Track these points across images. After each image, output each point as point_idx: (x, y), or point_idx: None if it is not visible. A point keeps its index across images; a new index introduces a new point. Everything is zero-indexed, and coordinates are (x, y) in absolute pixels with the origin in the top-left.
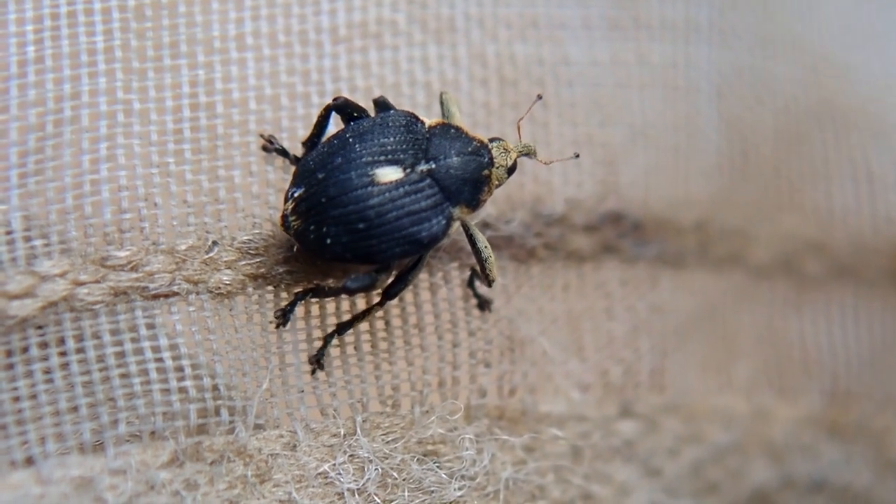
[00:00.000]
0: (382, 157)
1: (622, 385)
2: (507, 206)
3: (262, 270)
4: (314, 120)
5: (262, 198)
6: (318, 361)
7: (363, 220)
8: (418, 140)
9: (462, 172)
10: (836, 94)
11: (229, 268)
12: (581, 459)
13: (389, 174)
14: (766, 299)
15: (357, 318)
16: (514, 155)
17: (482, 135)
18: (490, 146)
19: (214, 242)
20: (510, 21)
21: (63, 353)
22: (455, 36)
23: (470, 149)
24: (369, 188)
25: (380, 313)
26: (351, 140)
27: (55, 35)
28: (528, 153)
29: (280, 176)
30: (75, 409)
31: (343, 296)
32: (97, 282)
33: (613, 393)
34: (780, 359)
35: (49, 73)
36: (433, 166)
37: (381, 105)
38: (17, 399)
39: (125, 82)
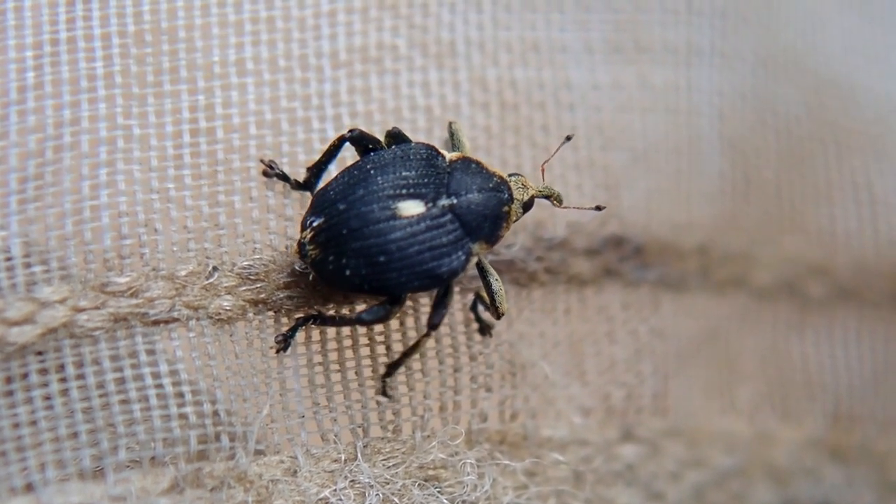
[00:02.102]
0: (404, 191)
1: (624, 409)
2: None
3: (263, 296)
4: (316, 146)
5: (262, 223)
6: (384, 392)
7: (384, 252)
8: (440, 174)
9: (483, 209)
10: (839, 115)
11: (230, 293)
12: (583, 484)
13: (411, 208)
14: (768, 322)
15: (407, 354)
16: (531, 192)
17: (500, 169)
18: (509, 181)
19: (215, 268)
20: (511, 45)
21: (63, 380)
22: (456, 60)
23: (491, 185)
24: (392, 222)
25: (381, 338)
26: (372, 172)
27: (55, 61)
28: (549, 196)
29: (280, 201)
30: (75, 435)
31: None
32: (97, 308)
33: (615, 417)
34: (782, 382)
35: (49, 99)
36: (454, 201)
37: (395, 137)
38: (16, 425)
39: (125, 108)
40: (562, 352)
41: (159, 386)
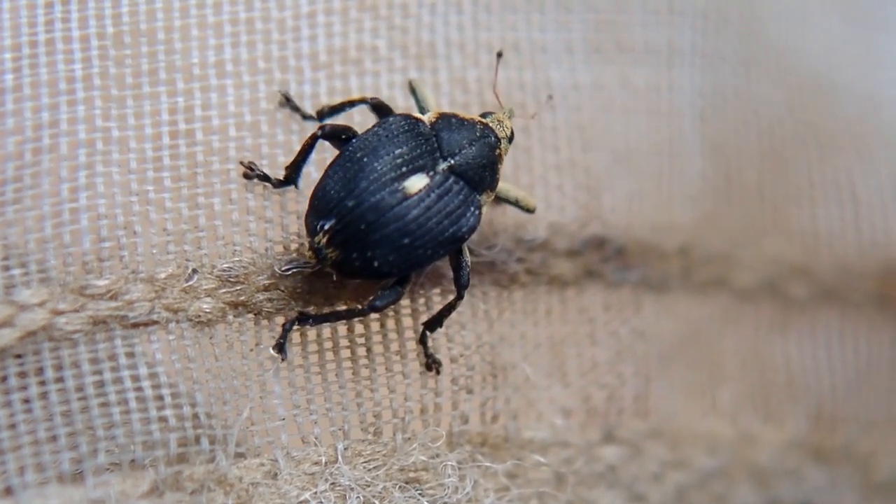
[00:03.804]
0: (405, 169)
1: (605, 410)
2: (489, 232)
3: (243, 298)
4: (296, 147)
5: (242, 225)
6: (434, 366)
7: (407, 234)
8: (428, 140)
9: (480, 160)
10: (821, 115)
11: (209, 296)
12: (564, 486)
13: (417, 183)
14: (750, 323)
15: (443, 314)
16: (508, 123)
17: (473, 114)
18: (487, 122)
19: (194, 270)
20: (491, 46)
21: (42, 383)
22: (436, 61)
23: (477, 134)
24: (405, 203)
25: (361, 340)
26: (366, 160)
27: (33, 63)
28: (512, 115)
29: (260, 203)
30: (54, 438)
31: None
32: (76, 311)
33: (597, 418)
34: (765, 383)
35: (27, 102)
36: (452, 162)
37: (379, 108)
38: None
39: (104, 110)
40: (543, 353)
41: (139, 389)
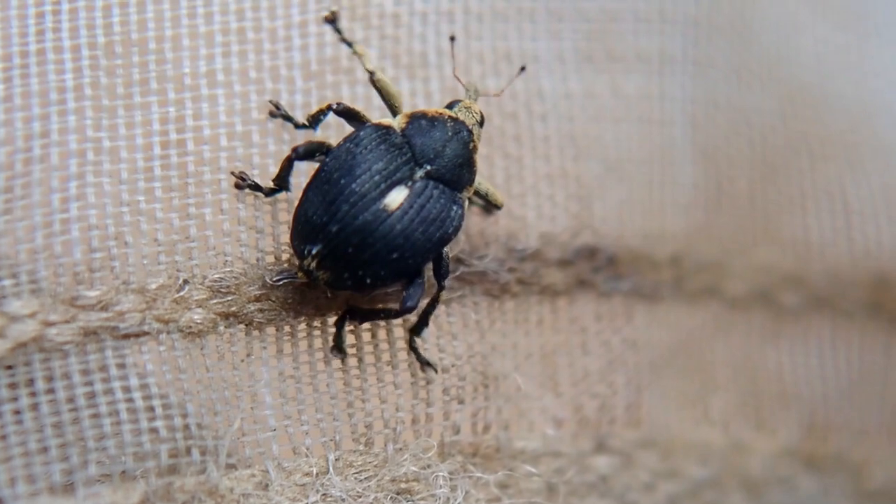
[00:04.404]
0: (383, 185)
1: (597, 420)
2: (480, 242)
3: (234, 309)
4: (280, 165)
5: (233, 235)
6: (430, 367)
7: (394, 249)
8: (401, 149)
9: (456, 159)
10: (813, 124)
11: (200, 306)
12: (556, 496)
13: (398, 197)
14: (742, 332)
15: (428, 312)
16: (476, 108)
17: (440, 109)
18: (456, 115)
19: (185, 281)
20: (483, 55)
21: (33, 394)
22: (427, 71)
23: (450, 132)
24: (389, 220)
25: (353, 350)
26: (343, 181)
27: (24, 73)
28: (478, 94)
29: (251, 213)
30: (45, 449)
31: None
32: (67, 322)
33: (588, 428)
34: (756, 391)
35: (18, 112)
36: (429, 168)
37: (345, 113)
38: None
39: (95, 120)
40: (534, 363)
41: (129, 400)
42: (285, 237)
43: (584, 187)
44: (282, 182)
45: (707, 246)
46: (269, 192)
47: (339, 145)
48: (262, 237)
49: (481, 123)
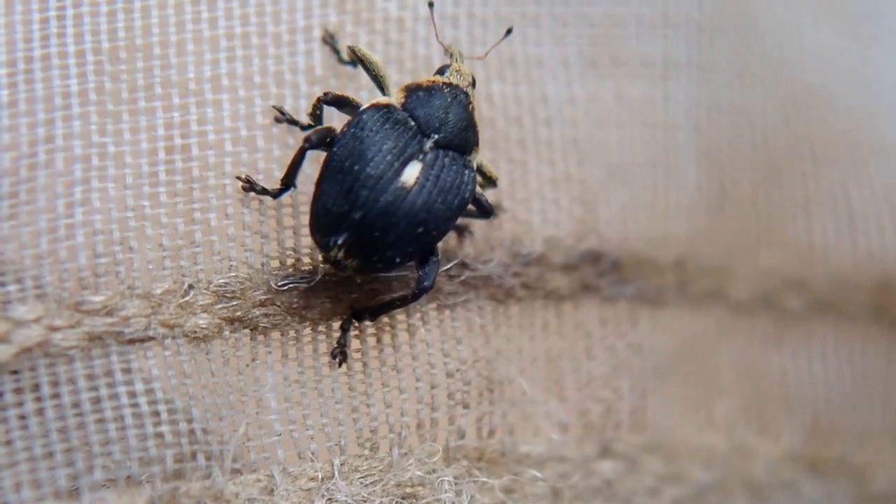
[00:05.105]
0: (397, 164)
1: (602, 425)
2: (485, 246)
3: (239, 314)
4: (290, 161)
5: (238, 240)
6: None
7: (419, 224)
8: (406, 125)
9: (459, 123)
10: (816, 126)
11: (205, 311)
12: (561, 500)
13: (413, 172)
14: (746, 336)
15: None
16: (465, 70)
17: (432, 77)
18: (449, 80)
19: (190, 286)
20: (487, 60)
21: (38, 399)
22: (432, 75)
23: (448, 98)
24: (409, 197)
25: (358, 355)
26: (357, 168)
27: (29, 79)
28: (463, 57)
29: (256, 218)
30: (51, 454)
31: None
32: (72, 327)
33: (593, 433)
34: (760, 396)
35: (23, 118)
36: (436, 137)
37: (336, 101)
38: None
39: (100, 125)
40: (539, 368)
41: (135, 405)
42: (290, 242)
43: (589, 191)
44: (290, 179)
45: (711, 249)
46: (277, 194)
47: (343, 132)
48: (267, 242)
49: (473, 84)
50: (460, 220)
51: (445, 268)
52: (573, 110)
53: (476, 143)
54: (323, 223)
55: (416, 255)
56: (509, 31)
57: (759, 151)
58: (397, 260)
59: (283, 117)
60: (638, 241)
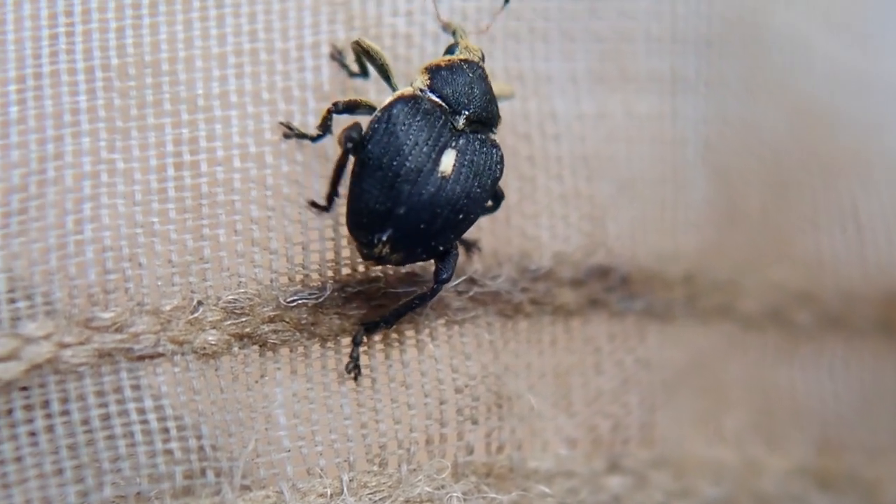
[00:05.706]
0: (433, 154)
1: (611, 440)
2: (493, 262)
3: (248, 330)
4: (300, 178)
5: (247, 256)
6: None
7: (460, 210)
8: (434, 109)
9: (485, 96)
10: (824, 140)
11: (214, 328)
12: None
13: (449, 160)
14: (755, 350)
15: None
16: (474, 46)
17: (446, 57)
18: (462, 54)
19: (199, 302)
20: (495, 76)
21: (48, 416)
22: None
23: (469, 73)
24: (448, 185)
25: (367, 371)
26: (395, 163)
27: (38, 95)
28: (466, 33)
29: (265, 234)
30: (60, 471)
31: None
32: (82, 343)
33: (602, 448)
34: (770, 410)
35: (32, 134)
36: (466, 113)
37: (348, 106)
38: (1, 462)
39: (109, 142)
40: (548, 383)
41: (144, 422)
42: (299, 258)
43: (598, 207)
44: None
45: (720, 264)
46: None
47: (373, 129)
48: (276, 258)
49: (483, 58)
50: (468, 236)
51: (454, 284)
52: (582, 126)
53: (499, 116)
54: (366, 222)
55: (454, 242)
56: (507, 1)
57: (768, 166)
58: (440, 248)
59: (291, 133)
60: (647, 256)
